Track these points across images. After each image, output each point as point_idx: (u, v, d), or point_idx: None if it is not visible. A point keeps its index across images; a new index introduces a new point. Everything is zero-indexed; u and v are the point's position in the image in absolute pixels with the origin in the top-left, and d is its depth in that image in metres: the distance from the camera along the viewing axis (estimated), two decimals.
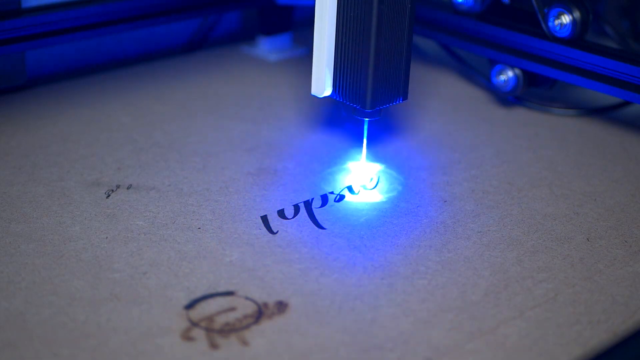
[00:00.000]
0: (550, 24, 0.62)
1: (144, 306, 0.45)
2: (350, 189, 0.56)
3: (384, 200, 0.55)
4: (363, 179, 0.57)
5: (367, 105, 0.51)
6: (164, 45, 0.79)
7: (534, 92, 0.68)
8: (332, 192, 0.56)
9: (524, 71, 0.64)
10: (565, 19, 0.61)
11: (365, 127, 0.57)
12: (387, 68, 0.51)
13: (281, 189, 0.56)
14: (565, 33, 0.61)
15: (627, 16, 0.73)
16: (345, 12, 0.50)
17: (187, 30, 0.79)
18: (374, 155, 0.60)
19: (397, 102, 0.53)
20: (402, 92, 0.53)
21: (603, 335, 0.44)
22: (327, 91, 0.53)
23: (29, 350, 0.42)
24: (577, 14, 0.60)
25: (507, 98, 0.68)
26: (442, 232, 0.52)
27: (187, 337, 0.43)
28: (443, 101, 0.69)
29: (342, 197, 0.55)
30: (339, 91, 0.52)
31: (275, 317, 0.45)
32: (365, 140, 0.57)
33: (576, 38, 0.61)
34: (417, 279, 0.48)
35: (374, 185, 0.57)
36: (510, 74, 0.65)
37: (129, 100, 0.67)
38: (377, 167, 0.59)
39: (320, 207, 0.54)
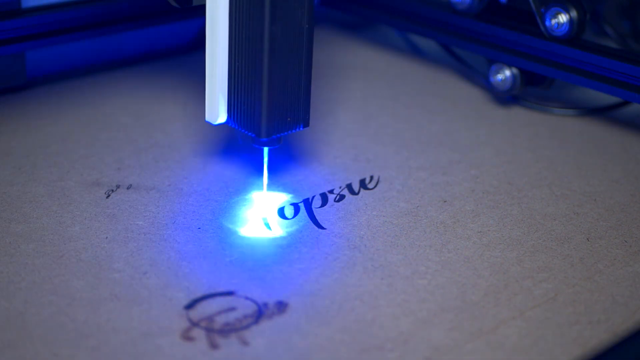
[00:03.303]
0: (547, 23, 0.62)
1: (144, 306, 0.45)
2: (350, 188, 0.56)
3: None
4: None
5: (262, 133, 0.48)
6: (164, 45, 0.79)
7: (532, 91, 0.68)
8: (331, 191, 0.56)
9: (521, 70, 0.64)
10: (562, 18, 0.61)
11: (266, 155, 0.53)
12: (284, 94, 0.48)
13: (281, 189, 0.56)
14: (562, 32, 0.61)
15: (627, 16, 0.73)
16: (237, 33, 0.47)
17: (187, 30, 0.79)
18: (375, 155, 0.60)
19: (298, 130, 0.50)
20: (302, 118, 0.49)
21: (603, 335, 0.44)
22: (222, 118, 0.50)
23: (29, 350, 0.42)
24: (574, 13, 0.60)
25: (505, 97, 0.68)
26: (442, 232, 0.52)
27: (187, 337, 0.43)
28: (443, 101, 0.69)
29: (342, 197, 0.55)
30: (233, 118, 0.49)
31: (275, 317, 0.45)
32: (266, 170, 0.54)
33: (573, 37, 0.61)
34: (417, 279, 0.48)
35: (374, 185, 0.57)
36: (507, 73, 0.65)
37: (129, 100, 0.67)
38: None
39: (320, 207, 0.54)
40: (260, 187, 0.55)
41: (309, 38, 0.48)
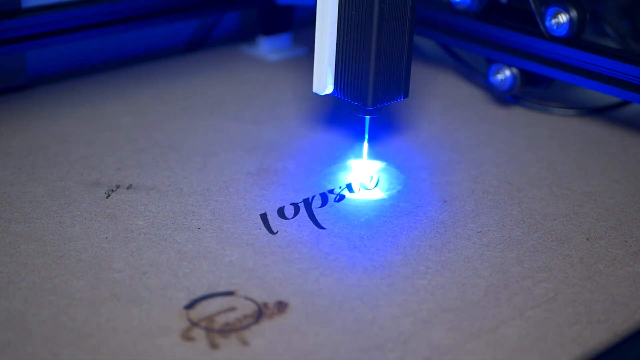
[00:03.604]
0: (547, 23, 0.62)
1: (144, 306, 0.45)
2: (349, 187, 0.56)
3: (385, 197, 0.55)
4: (364, 177, 0.57)
5: (369, 103, 0.51)
6: (164, 46, 0.79)
7: (532, 91, 0.68)
8: (331, 191, 0.56)
9: (521, 70, 0.64)
10: (562, 18, 0.61)
11: (367, 124, 0.56)
12: (388, 66, 0.51)
13: (281, 189, 0.56)
14: (562, 32, 0.61)
15: (627, 16, 0.73)
16: (347, 10, 0.51)
17: (187, 30, 0.79)
18: (374, 154, 0.60)
19: (398, 100, 0.53)
20: (403, 90, 0.53)
21: (603, 335, 0.44)
22: (329, 89, 0.53)
23: (29, 350, 0.42)
24: (574, 13, 0.60)
25: (505, 97, 0.68)
26: (442, 232, 0.52)
27: (187, 337, 0.43)
28: (443, 101, 0.69)
29: (342, 197, 0.55)
30: (340, 89, 0.52)
31: (275, 317, 0.45)
32: (366, 138, 0.57)
33: (573, 37, 0.61)
34: (417, 279, 0.48)
35: (374, 184, 0.57)
36: (507, 73, 0.65)
37: (129, 100, 0.67)
38: (378, 165, 0.59)
39: (320, 207, 0.54)
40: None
41: (412, 14, 0.51)
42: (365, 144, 0.58)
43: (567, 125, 0.66)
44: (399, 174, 0.58)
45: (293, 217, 0.53)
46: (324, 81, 0.52)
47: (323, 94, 0.53)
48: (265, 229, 0.52)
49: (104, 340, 0.43)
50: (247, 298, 0.46)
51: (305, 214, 0.53)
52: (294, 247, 0.50)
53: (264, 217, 0.53)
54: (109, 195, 0.54)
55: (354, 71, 0.51)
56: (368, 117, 0.54)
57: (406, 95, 0.53)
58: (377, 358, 0.42)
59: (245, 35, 0.80)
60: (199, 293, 0.46)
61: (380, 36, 0.50)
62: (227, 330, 0.44)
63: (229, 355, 0.42)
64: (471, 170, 0.59)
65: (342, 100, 0.53)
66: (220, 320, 0.44)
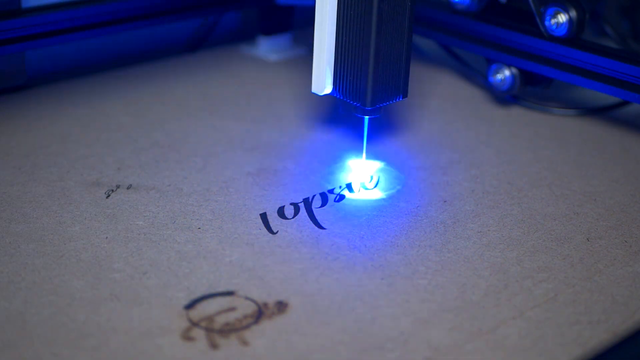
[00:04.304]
0: (546, 23, 0.62)
1: (144, 306, 0.45)
2: (349, 187, 0.56)
3: (385, 197, 0.55)
4: (364, 177, 0.57)
5: (368, 103, 0.51)
6: (164, 45, 0.79)
7: (532, 91, 0.68)
8: (331, 191, 0.56)
9: (520, 70, 0.64)
10: (562, 18, 0.61)
11: (366, 124, 0.57)
12: (387, 66, 0.51)
13: (281, 189, 0.56)
14: (561, 32, 0.61)
15: (627, 16, 0.73)
16: (346, 10, 0.51)
17: (187, 30, 0.79)
18: (374, 154, 0.60)
19: (397, 100, 0.53)
20: (402, 89, 0.53)
21: (603, 335, 0.44)
22: (328, 89, 0.53)
23: (29, 350, 0.42)
24: (573, 13, 0.60)
25: (505, 97, 0.68)
26: (442, 232, 0.52)
27: (187, 337, 0.43)
28: (443, 101, 0.69)
29: (342, 197, 0.55)
30: (339, 89, 0.52)
31: (275, 317, 0.45)
32: (365, 138, 0.57)
33: (573, 37, 0.61)
34: (417, 279, 0.48)
35: (374, 184, 0.57)
36: (506, 73, 0.65)
37: (129, 100, 0.67)
38: (377, 165, 0.59)
39: (320, 207, 0.54)
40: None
41: (411, 14, 0.51)
42: (365, 143, 0.58)
43: (567, 125, 0.66)
44: (398, 174, 0.58)
45: (293, 217, 0.53)
46: (322, 81, 0.52)
47: (322, 94, 0.53)
48: (265, 229, 0.52)
49: (104, 340, 0.43)
50: (247, 298, 0.46)
51: (305, 214, 0.53)
52: (294, 247, 0.50)
53: (264, 217, 0.53)
54: (109, 195, 0.54)
55: (352, 71, 0.51)
56: (367, 117, 0.54)
57: (405, 95, 0.53)
58: (377, 358, 0.42)
59: (245, 35, 0.80)
60: (199, 293, 0.46)
61: (379, 36, 0.50)
62: (227, 330, 0.44)
63: (229, 355, 0.42)
64: (471, 170, 0.59)
65: (340, 100, 0.53)
66: (220, 320, 0.44)
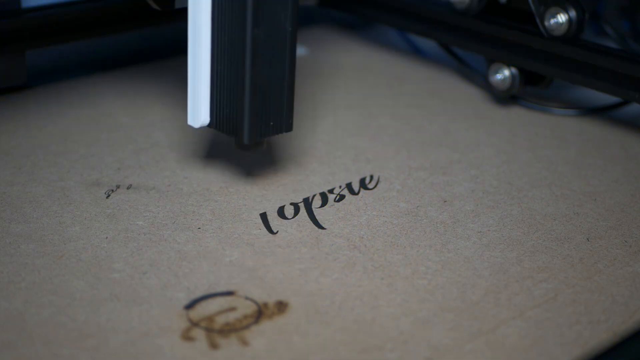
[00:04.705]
0: (546, 22, 0.62)
1: (144, 306, 0.45)
2: (349, 187, 0.56)
3: (384, 197, 0.55)
4: (364, 177, 0.57)
5: (245, 137, 0.48)
6: (164, 46, 0.79)
7: (532, 91, 0.68)
8: (331, 191, 0.56)
9: (520, 70, 0.64)
10: (561, 18, 0.61)
11: None
12: (267, 97, 0.48)
13: (281, 189, 0.56)
14: (561, 32, 0.61)
15: (627, 16, 0.73)
16: (219, 37, 0.47)
17: (187, 31, 0.79)
18: (374, 154, 0.60)
19: (280, 133, 0.49)
20: (285, 122, 0.49)
21: (603, 335, 0.44)
22: (205, 121, 0.50)
23: (29, 350, 0.42)
24: (572, 13, 0.60)
25: (504, 97, 0.68)
26: (442, 232, 0.52)
27: (187, 337, 0.43)
28: (443, 101, 0.69)
29: (342, 197, 0.55)
30: (216, 121, 0.49)
31: (275, 317, 0.45)
32: None
33: (572, 37, 0.61)
34: (417, 279, 0.48)
35: (374, 184, 0.57)
36: (506, 72, 0.65)
37: (129, 100, 0.67)
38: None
39: (320, 207, 0.54)
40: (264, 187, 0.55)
41: (292, 41, 0.47)
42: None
43: (567, 125, 0.66)
44: (398, 171, 0.58)
45: (293, 217, 0.53)
46: (198, 113, 0.49)
47: (198, 127, 0.50)
48: (265, 229, 0.52)
49: (104, 340, 0.43)
50: (247, 298, 0.46)
51: (305, 214, 0.53)
52: (294, 247, 0.50)
53: (264, 217, 0.53)
54: (109, 195, 0.54)
55: (229, 103, 0.48)
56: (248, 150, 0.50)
57: (289, 128, 0.49)
58: (377, 358, 0.42)
59: None
60: (199, 293, 0.46)
61: (256, 65, 0.46)
62: (227, 330, 0.44)
63: (229, 355, 0.42)
64: (471, 170, 0.59)
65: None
66: (220, 320, 0.44)
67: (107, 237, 0.50)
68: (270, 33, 0.46)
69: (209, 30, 0.47)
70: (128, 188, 0.55)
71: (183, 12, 0.70)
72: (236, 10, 0.46)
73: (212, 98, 0.49)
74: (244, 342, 0.43)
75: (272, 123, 0.48)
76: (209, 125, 0.50)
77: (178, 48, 0.78)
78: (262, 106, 0.48)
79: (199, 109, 0.49)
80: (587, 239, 0.52)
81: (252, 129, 0.48)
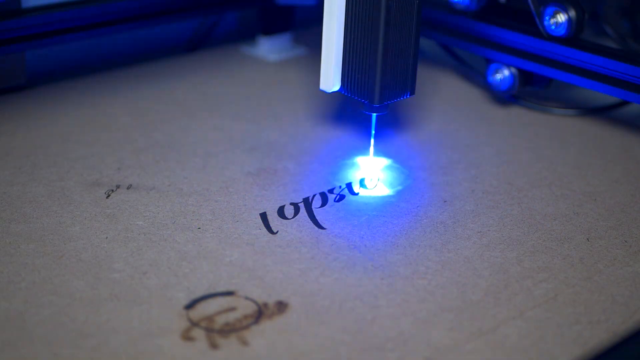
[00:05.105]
0: (545, 22, 0.62)
1: (144, 306, 0.45)
2: (349, 187, 0.56)
3: (392, 194, 0.55)
4: (365, 176, 0.57)
5: (376, 100, 0.51)
6: (164, 45, 0.79)
7: (531, 91, 0.68)
8: (331, 191, 0.56)
9: (519, 70, 0.64)
10: (561, 17, 0.61)
11: (373, 121, 0.57)
12: (395, 64, 0.51)
13: (281, 189, 0.56)
14: (560, 32, 0.61)
15: (627, 16, 0.73)
16: (354, 8, 0.51)
17: (187, 30, 0.79)
18: (378, 152, 0.60)
19: (405, 97, 0.53)
20: (409, 87, 0.53)
21: (603, 335, 0.44)
22: (336, 86, 0.53)
23: (29, 350, 0.42)
24: (572, 13, 0.60)
25: (504, 97, 0.68)
26: (442, 232, 0.52)
27: (187, 337, 0.43)
28: (443, 101, 0.69)
29: (342, 197, 0.55)
30: (347, 86, 0.52)
31: (275, 317, 0.45)
32: (373, 135, 0.57)
33: (572, 37, 0.61)
34: (417, 279, 0.48)
35: (374, 185, 0.57)
36: (506, 72, 0.65)
37: (129, 100, 0.67)
38: (384, 162, 0.59)
39: (320, 207, 0.54)
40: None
41: (418, 12, 0.51)
42: (372, 141, 0.58)
43: (567, 125, 0.66)
44: (405, 170, 0.58)
45: (293, 217, 0.53)
46: (331, 79, 0.52)
47: (330, 92, 0.53)
48: (265, 229, 0.52)
49: (104, 340, 0.43)
50: (247, 298, 0.46)
51: (305, 214, 0.53)
52: (294, 247, 0.50)
53: (264, 217, 0.53)
54: (109, 195, 0.54)
55: (360, 69, 0.52)
56: (374, 114, 0.54)
57: (412, 92, 0.53)
58: (377, 358, 0.42)
59: (245, 35, 0.80)
60: (199, 293, 0.46)
61: (387, 34, 0.50)
62: (227, 330, 0.44)
63: (229, 355, 0.42)
64: (471, 170, 0.59)
65: (348, 97, 0.53)
66: (220, 320, 0.44)
67: (107, 237, 0.50)
68: (400, 4, 0.50)
69: (343, 1, 0.51)
70: (128, 188, 0.55)
71: (183, 12, 0.70)
72: None
73: (344, 65, 0.52)
74: (244, 342, 0.43)
75: (398, 88, 0.52)
76: (339, 90, 0.53)
77: (178, 48, 0.78)
78: (391, 71, 0.51)
79: (331, 75, 0.52)
80: (587, 239, 0.52)
81: (382, 93, 0.51)
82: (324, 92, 0.53)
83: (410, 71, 0.52)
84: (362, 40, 0.51)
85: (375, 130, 0.57)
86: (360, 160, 0.59)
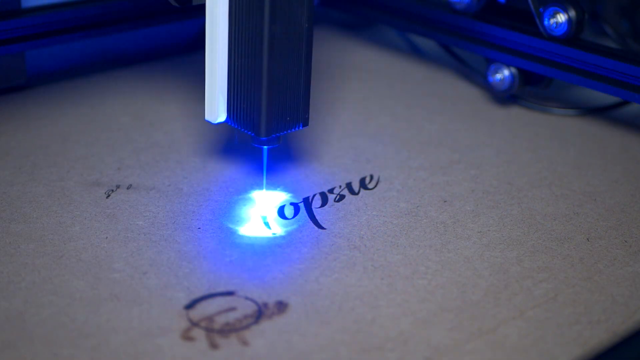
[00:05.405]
0: (545, 22, 0.62)
1: (144, 306, 0.45)
2: (350, 187, 0.56)
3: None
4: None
5: (262, 132, 0.48)
6: (164, 45, 0.79)
7: (531, 91, 0.68)
8: (331, 191, 0.56)
9: (519, 70, 0.64)
10: (561, 17, 0.61)
11: (265, 156, 0.54)
12: (284, 92, 0.48)
13: (281, 189, 0.56)
14: (560, 32, 0.61)
15: (627, 16, 0.73)
16: (237, 32, 0.47)
17: (187, 30, 0.79)
18: (377, 152, 0.60)
19: (296, 129, 0.50)
20: (301, 117, 0.49)
21: (603, 335, 0.44)
22: (222, 117, 0.50)
23: (29, 350, 0.42)
24: (572, 13, 0.60)
25: (504, 97, 0.68)
26: (442, 232, 0.52)
27: (187, 337, 0.43)
28: (443, 101, 0.69)
29: (342, 197, 0.55)
30: (233, 117, 0.49)
31: (275, 317, 0.45)
32: (265, 169, 0.54)
33: (572, 37, 0.61)
34: (417, 279, 0.48)
35: (374, 185, 0.57)
36: (506, 72, 0.65)
37: (129, 100, 0.67)
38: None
39: (320, 207, 0.54)
40: (260, 187, 0.55)
41: (308, 37, 0.48)
42: (265, 174, 0.55)
43: (567, 125, 0.66)
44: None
45: (293, 217, 0.53)
46: (215, 109, 0.49)
47: (215, 123, 0.50)
48: (265, 229, 0.52)
49: (104, 340, 0.43)
50: (247, 298, 0.46)
51: (305, 214, 0.53)
52: (294, 247, 0.50)
53: (264, 217, 0.53)
54: (109, 195, 0.54)
55: (246, 98, 0.48)
56: (265, 147, 0.51)
57: (305, 123, 0.49)
58: (377, 358, 0.42)
59: None
60: (199, 293, 0.46)
61: (273, 61, 0.47)
62: (227, 330, 0.44)
63: (229, 355, 0.42)
64: (471, 170, 0.59)
65: (235, 129, 0.50)
66: (220, 320, 0.44)
67: (107, 237, 0.50)
68: (287, 29, 0.47)
69: (226, 26, 0.48)
70: (128, 188, 0.55)
71: (182, 11, 0.70)
72: (254, 6, 0.46)
73: (229, 94, 0.49)
74: (244, 342, 0.43)
75: (288, 118, 0.49)
76: (226, 121, 0.50)
77: (178, 48, 0.78)
78: (279, 101, 0.48)
79: (216, 105, 0.49)
80: (587, 239, 0.52)
81: (269, 124, 0.48)
82: (209, 123, 0.50)
83: (302, 100, 0.49)
84: (246, 67, 0.47)
85: (268, 163, 0.54)
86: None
